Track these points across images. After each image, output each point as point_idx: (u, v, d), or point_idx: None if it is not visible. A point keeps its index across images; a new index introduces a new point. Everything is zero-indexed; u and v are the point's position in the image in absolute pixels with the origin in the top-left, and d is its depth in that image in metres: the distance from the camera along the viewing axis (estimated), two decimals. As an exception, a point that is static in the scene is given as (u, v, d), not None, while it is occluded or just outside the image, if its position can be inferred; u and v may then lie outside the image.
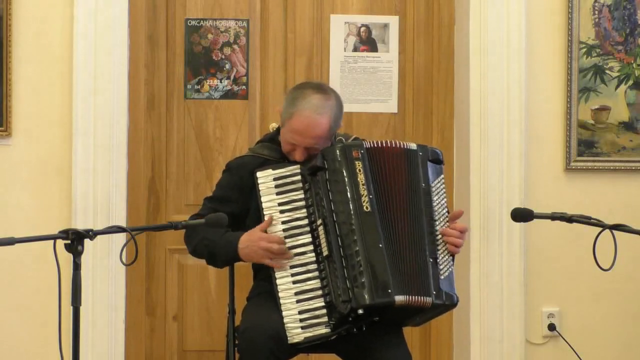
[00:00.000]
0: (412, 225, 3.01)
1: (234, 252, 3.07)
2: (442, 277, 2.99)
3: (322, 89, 3.16)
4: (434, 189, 3.07)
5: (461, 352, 4.25)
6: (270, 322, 2.94)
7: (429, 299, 2.94)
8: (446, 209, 3.10)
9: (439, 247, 3.03)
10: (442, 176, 3.12)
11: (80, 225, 3.82)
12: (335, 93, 3.19)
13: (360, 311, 2.87)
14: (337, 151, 3.02)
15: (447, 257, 3.04)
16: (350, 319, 2.90)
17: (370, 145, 3.05)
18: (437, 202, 3.07)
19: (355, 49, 4.34)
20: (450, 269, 3.03)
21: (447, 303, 2.99)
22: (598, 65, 4.17)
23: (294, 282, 2.98)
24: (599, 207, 4.05)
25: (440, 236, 3.04)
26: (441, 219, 3.06)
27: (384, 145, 3.06)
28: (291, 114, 3.08)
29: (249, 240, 3.04)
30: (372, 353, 2.98)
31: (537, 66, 4.16)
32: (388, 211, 3.00)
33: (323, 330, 2.94)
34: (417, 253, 2.98)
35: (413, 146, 3.09)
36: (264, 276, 3.14)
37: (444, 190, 3.11)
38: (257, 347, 2.89)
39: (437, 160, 3.12)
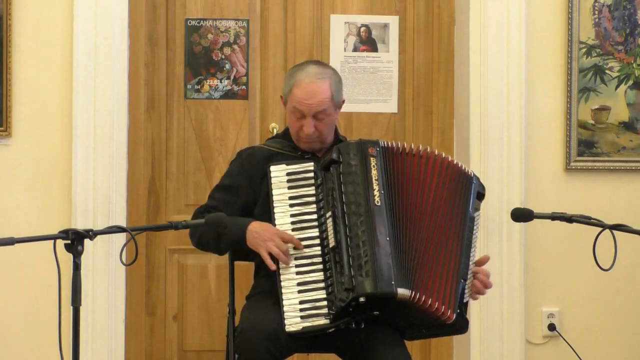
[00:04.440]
0: (449, 238, 3.00)
1: (242, 232, 3.05)
2: (465, 299, 3.02)
3: (319, 62, 3.29)
4: (475, 220, 3.08)
5: (461, 352, 4.25)
6: (267, 322, 2.93)
7: (452, 314, 2.94)
8: (476, 244, 3.10)
9: (470, 274, 3.04)
10: (479, 212, 3.13)
11: (80, 225, 3.82)
12: (333, 67, 3.29)
13: (362, 299, 2.86)
14: (353, 146, 3.04)
15: (469, 285, 3.05)
16: (351, 309, 2.90)
17: (385, 145, 3.06)
18: (475, 233, 3.07)
19: (355, 49, 4.34)
20: (468, 297, 3.05)
21: (461, 326, 3.01)
22: (598, 65, 4.17)
23: (298, 273, 2.98)
24: (599, 207, 4.04)
25: (472, 265, 3.05)
26: (474, 250, 3.07)
27: (403, 148, 3.06)
28: (292, 85, 3.15)
29: (262, 228, 3.03)
30: (372, 353, 2.98)
31: (537, 66, 4.16)
32: (402, 209, 2.99)
33: (322, 321, 2.93)
34: (452, 266, 2.98)
35: (471, 172, 3.11)
36: (265, 273, 3.13)
37: (478, 226, 3.11)
38: (255, 347, 2.89)
39: (481, 195, 3.14)
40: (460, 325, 3.02)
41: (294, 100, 3.14)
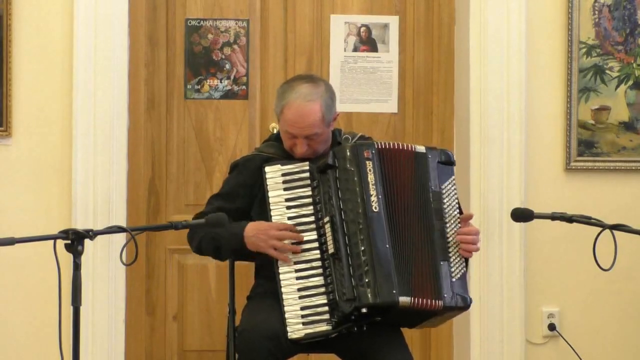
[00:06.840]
0: (422, 228, 3.02)
1: (239, 241, 3.04)
2: (453, 279, 3.00)
3: (311, 78, 3.17)
4: (444, 191, 3.08)
5: (461, 352, 4.25)
6: (267, 323, 2.93)
7: (440, 302, 2.95)
8: (457, 210, 3.10)
9: (450, 249, 3.03)
10: (453, 177, 3.12)
11: (80, 225, 3.82)
12: (325, 81, 3.21)
13: (364, 310, 2.87)
14: (349, 150, 3.02)
15: (459, 258, 3.04)
16: (353, 317, 2.90)
17: (381, 146, 3.05)
18: (448, 203, 3.07)
19: (355, 49, 4.34)
20: (462, 271, 3.03)
21: (460, 305, 2.99)
22: (598, 65, 4.17)
23: (298, 278, 2.98)
24: (599, 207, 4.04)
25: (451, 238, 3.04)
26: (452, 221, 3.06)
27: (394, 146, 3.06)
28: (282, 106, 3.09)
29: (257, 229, 3.02)
30: (373, 354, 2.98)
31: (537, 66, 4.16)
32: (396, 213, 3.00)
33: (324, 327, 2.94)
34: (427, 256, 2.99)
35: (422, 149, 3.10)
36: (265, 274, 3.13)
37: (455, 191, 3.11)
38: (255, 348, 2.89)
39: (448, 162, 3.12)
40: (462, 305, 2.99)
41: (284, 123, 3.09)
